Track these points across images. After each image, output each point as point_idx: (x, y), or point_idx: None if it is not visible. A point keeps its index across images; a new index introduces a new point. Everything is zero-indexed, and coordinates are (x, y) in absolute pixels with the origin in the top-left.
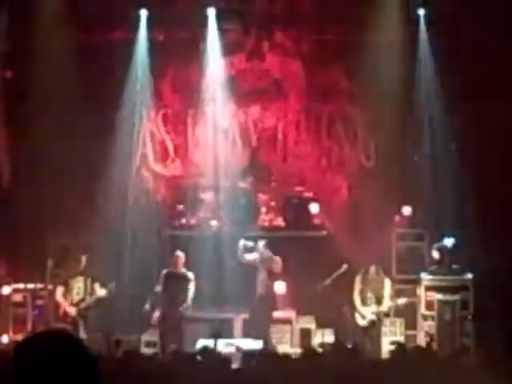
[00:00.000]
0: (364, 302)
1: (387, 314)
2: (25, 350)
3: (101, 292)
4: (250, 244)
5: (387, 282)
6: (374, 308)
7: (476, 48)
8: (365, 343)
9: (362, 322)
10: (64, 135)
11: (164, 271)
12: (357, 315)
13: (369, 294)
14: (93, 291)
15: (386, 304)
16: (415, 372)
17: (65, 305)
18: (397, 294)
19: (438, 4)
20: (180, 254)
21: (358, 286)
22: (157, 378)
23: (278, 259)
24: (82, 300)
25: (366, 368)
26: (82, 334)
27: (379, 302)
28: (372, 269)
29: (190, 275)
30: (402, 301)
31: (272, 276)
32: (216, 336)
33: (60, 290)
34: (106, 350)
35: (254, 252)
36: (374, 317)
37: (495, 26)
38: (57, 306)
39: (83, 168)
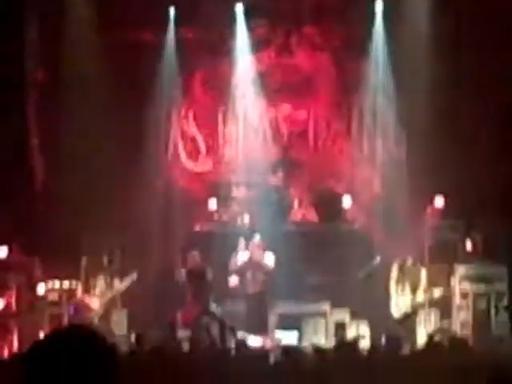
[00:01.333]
0: (399, 292)
1: (422, 305)
2: (44, 347)
3: (120, 286)
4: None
5: (423, 273)
6: (409, 298)
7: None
8: (400, 335)
9: (396, 313)
10: (95, 135)
11: (183, 270)
12: (392, 305)
13: (405, 283)
14: (113, 286)
15: (422, 295)
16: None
17: (87, 300)
18: (431, 285)
19: None
20: (194, 252)
21: (394, 275)
22: (191, 374)
23: (268, 260)
24: (104, 295)
25: (401, 360)
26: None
27: (414, 292)
28: (409, 259)
29: (209, 272)
30: (437, 292)
31: (266, 272)
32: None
33: (80, 289)
34: (129, 346)
35: (245, 253)
36: (409, 309)
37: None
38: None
39: (114, 166)
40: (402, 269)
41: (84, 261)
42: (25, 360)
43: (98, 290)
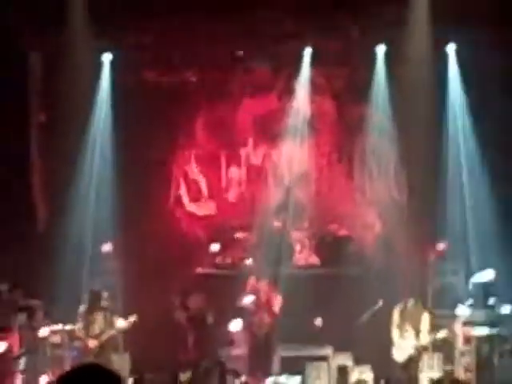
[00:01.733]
0: (402, 336)
1: (426, 348)
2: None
3: (120, 323)
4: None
5: (426, 316)
6: (412, 342)
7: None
8: (402, 380)
9: (400, 358)
10: (96, 175)
11: (184, 314)
12: (395, 350)
13: (407, 327)
14: (112, 324)
15: (425, 338)
16: None
17: (86, 339)
18: (434, 328)
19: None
20: (196, 296)
21: (396, 320)
22: None
23: (276, 303)
24: (103, 332)
25: None
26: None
27: (417, 335)
28: (411, 301)
29: (210, 316)
30: (441, 335)
31: (272, 316)
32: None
33: (78, 326)
34: None
35: (252, 295)
36: (412, 351)
37: None
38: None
39: (117, 208)
40: (403, 313)
41: (82, 308)
42: None
43: (96, 328)
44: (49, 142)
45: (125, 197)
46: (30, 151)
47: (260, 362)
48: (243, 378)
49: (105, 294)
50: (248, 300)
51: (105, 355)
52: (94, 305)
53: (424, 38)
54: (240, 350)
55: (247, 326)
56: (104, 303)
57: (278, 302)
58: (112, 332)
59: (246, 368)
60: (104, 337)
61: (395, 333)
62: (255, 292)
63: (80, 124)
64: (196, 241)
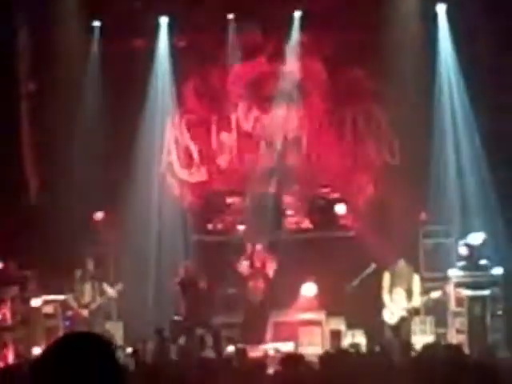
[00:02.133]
0: (394, 299)
1: (418, 310)
2: (55, 353)
3: (111, 292)
4: None
5: (416, 278)
6: (404, 304)
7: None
8: (393, 343)
9: (391, 320)
10: (88, 145)
11: (177, 279)
12: (386, 313)
13: (399, 289)
14: (102, 291)
15: (417, 299)
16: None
17: (77, 309)
18: (426, 291)
19: None
20: (187, 262)
21: (386, 283)
22: None
23: (270, 268)
24: (92, 301)
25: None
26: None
27: (409, 297)
28: (401, 262)
29: (202, 282)
30: (435, 295)
31: (267, 281)
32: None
33: (71, 297)
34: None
35: (246, 260)
36: (404, 313)
37: None
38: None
39: (108, 175)
40: (393, 273)
41: (78, 273)
42: (38, 366)
43: (86, 297)
44: (38, 111)
45: (116, 164)
46: (19, 122)
47: (255, 329)
48: (239, 345)
49: (90, 263)
50: (243, 265)
51: (97, 324)
52: (83, 274)
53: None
54: (235, 317)
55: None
56: (90, 272)
57: (272, 267)
58: (101, 300)
59: (240, 335)
60: (93, 305)
61: (386, 297)
62: (250, 257)
63: (70, 93)
64: (188, 207)
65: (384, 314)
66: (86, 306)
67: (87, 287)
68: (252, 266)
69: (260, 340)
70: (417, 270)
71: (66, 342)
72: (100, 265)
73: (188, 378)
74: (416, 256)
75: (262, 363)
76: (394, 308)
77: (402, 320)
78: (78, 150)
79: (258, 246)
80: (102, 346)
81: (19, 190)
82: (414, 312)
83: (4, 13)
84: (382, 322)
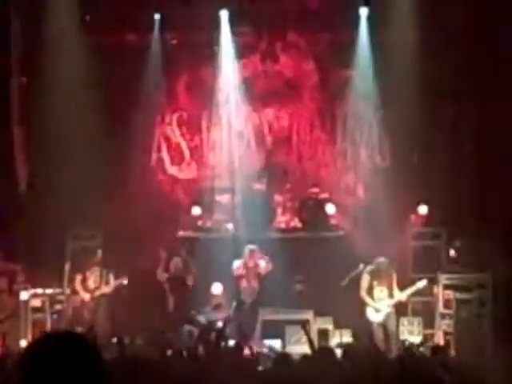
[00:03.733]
0: (376, 296)
1: (405, 304)
2: (33, 353)
3: (113, 284)
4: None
5: (395, 276)
6: (388, 301)
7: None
8: (380, 342)
9: (377, 319)
10: (79, 137)
11: (165, 275)
12: (370, 312)
13: (381, 288)
14: (108, 280)
15: (401, 293)
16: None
17: (81, 292)
18: (414, 293)
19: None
20: (177, 259)
21: (365, 284)
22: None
23: (263, 268)
24: (97, 288)
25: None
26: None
27: (391, 294)
28: (383, 262)
29: (190, 279)
30: (421, 284)
31: (260, 280)
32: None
33: (78, 278)
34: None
35: (239, 260)
36: (389, 309)
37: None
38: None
39: (99, 170)
40: (375, 274)
41: (67, 267)
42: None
43: (91, 283)
44: (30, 103)
45: (106, 159)
46: (10, 113)
47: (247, 328)
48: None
49: (99, 252)
50: (236, 264)
51: (98, 312)
52: (89, 260)
53: (407, 2)
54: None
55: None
56: (99, 259)
57: (266, 268)
58: (106, 290)
59: (233, 332)
60: (97, 293)
61: (366, 296)
62: (243, 257)
63: (61, 86)
64: (177, 204)
65: (368, 313)
66: (90, 292)
67: (95, 274)
68: (245, 265)
69: (250, 338)
70: (406, 272)
71: (43, 342)
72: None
73: (176, 372)
74: (405, 257)
75: (253, 360)
76: (377, 305)
77: (388, 316)
78: (67, 143)
79: (252, 246)
80: (81, 346)
81: (8, 180)
82: (401, 306)
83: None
84: (370, 322)
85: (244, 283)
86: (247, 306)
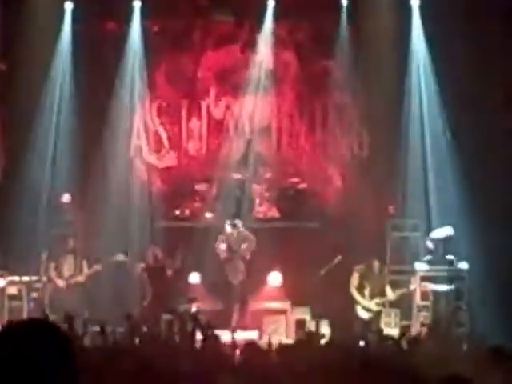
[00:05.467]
0: (369, 295)
1: (391, 303)
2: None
3: (87, 272)
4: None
5: (387, 277)
6: (378, 299)
7: (472, 35)
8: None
9: (365, 316)
10: (58, 126)
11: (142, 265)
12: (359, 308)
13: (372, 288)
14: (82, 268)
15: (391, 294)
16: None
17: (55, 279)
18: (393, 285)
19: None
20: (155, 248)
21: (355, 282)
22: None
23: (247, 249)
24: (72, 276)
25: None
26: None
27: (382, 294)
28: (376, 264)
29: (169, 268)
30: (412, 287)
31: (246, 262)
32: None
33: (52, 266)
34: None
35: (223, 243)
36: (378, 308)
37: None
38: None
39: (76, 158)
40: (366, 275)
41: (44, 255)
42: None
43: (65, 270)
44: (8, 90)
45: (84, 147)
46: None
47: (236, 314)
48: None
49: (71, 240)
50: (221, 248)
51: (72, 300)
52: (62, 248)
53: None
54: (207, 304)
55: (222, 276)
56: (72, 247)
57: (248, 250)
58: (80, 278)
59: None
60: (72, 280)
61: (356, 295)
62: (227, 240)
63: (40, 73)
64: (156, 193)
65: (358, 310)
66: (65, 279)
67: (69, 260)
68: (229, 248)
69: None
70: (383, 263)
71: (10, 330)
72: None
73: (155, 361)
74: (383, 249)
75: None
76: (367, 304)
77: (377, 314)
78: (47, 131)
79: (234, 229)
80: (48, 334)
81: None
82: (388, 304)
83: None
84: (347, 314)
85: (230, 266)
86: (235, 290)
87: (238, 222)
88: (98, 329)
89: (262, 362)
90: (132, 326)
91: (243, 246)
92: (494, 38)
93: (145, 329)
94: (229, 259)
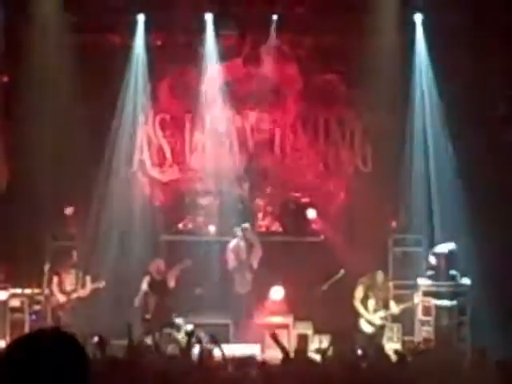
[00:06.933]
0: (372, 309)
1: (395, 317)
2: (17, 351)
3: (90, 287)
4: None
5: (391, 289)
6: (381, 313)
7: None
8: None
9: (368, 329)
10: (61, 140)
11: (146, 278)
12: (362, 322)
13: (377, 300)
14: (84, 283)
15: (395, 308)
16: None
17: (58, 294)
18: (396, 299)
19: (434, 8)
20: (158, 261)
21: (359, 294)
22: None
23: (254, 258)
24: (74, 290)
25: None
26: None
27: (386, 307)
28: (379, 275)
29: (171, 281)
30: (416, 300)
31: (252, 273)
32: (214, 341)
33: (55, 280)
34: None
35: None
36: (381, 322)
37: (493, 28)
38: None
39: (80, 172)
40: (371, 286)
41: (47, 267)
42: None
43: (67, 285)
44: (12, 103)
45: (87, 160)
46: None
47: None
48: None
49: (74, 253)
50: (230, 257)
51: (74, 314)
52: (65, 262)
53: (392, 7)
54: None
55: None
56: (75, 261)
57: (255, 257)
58: (82, 293)
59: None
60: (74, 295)
61: (360, 307)
62: (235, 251)
63: (44, 87)
64: (159, 206)
65: (361, 323)
66: (66, 294)
67: (70, 276)
68: (238, 258)
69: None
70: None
71: (35, 338)
72: (69, 259)
73: (155, 375)
74: (385, 263)
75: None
76: (370, 317)
77: (381, 328)
78: (51, 144)
79: (241, 241)
80: (72, 345)
81: None
82: (392, 320)
83: None
84: (349, 329)
85: (238, 277)
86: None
87: (247, 226)
88: (96, 341)
89: (257, 378)
90: (133, 339)
91: (251, 254)
92: (495, 53)
93: (148, 341)
94: (237, 269)
